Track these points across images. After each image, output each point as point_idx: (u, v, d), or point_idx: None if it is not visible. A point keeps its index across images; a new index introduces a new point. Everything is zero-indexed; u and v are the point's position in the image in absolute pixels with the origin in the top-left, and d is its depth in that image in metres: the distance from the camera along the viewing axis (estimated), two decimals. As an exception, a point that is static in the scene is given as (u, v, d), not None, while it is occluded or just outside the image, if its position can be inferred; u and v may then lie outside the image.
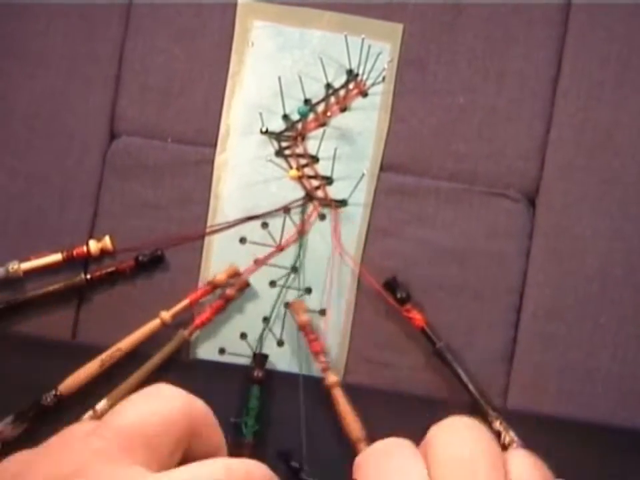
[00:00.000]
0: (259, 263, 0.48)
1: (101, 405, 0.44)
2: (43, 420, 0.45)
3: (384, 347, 0.47)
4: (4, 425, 0.44)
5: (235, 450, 0.45)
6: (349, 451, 0.45)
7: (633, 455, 0.46)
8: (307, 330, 0.46)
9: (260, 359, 0.46)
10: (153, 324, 0.46)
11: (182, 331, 0.46)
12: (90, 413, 0.45)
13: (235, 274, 0.47)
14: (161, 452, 0.29)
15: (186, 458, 0.30)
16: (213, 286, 0.47)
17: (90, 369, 0.45)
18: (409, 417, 0.46)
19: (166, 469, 0.29)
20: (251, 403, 0.45)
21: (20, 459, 0.29)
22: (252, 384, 0.46)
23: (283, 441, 0.46)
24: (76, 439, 0.30)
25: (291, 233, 0.48)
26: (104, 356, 0.45)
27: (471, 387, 0.45)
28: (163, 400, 0.31)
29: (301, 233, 0.48)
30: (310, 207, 0.48)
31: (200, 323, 0.46)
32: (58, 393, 0.45)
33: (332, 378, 0.45)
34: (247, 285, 0.47)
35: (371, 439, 0.46)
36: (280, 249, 0.48)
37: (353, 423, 0.44)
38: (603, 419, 0.46)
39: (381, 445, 0.31)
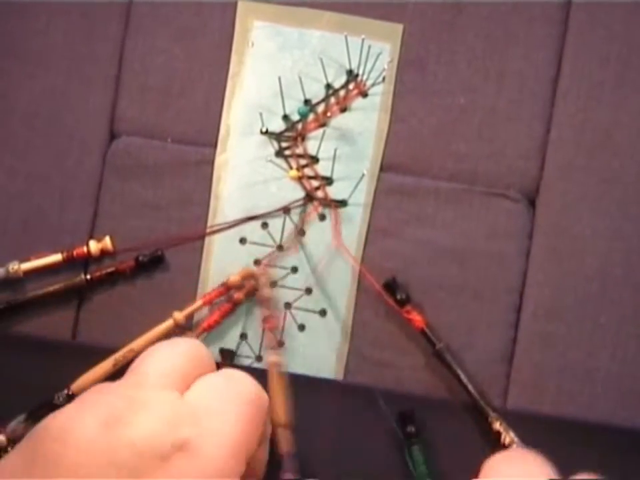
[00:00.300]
0: (258, 263, 0.48)
1: None
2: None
3: (384, 347, 0.47)
4: (16, 423, 0.44)
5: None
6: (349, 451, 0.45)
7: (633, 455, 0.46)
8: (265, 305, 0.46)
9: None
10: (166, 325, 0.46)
11: (190, 333, 0.46)
12: None
13: (249, 276, 0.47)
14: (188, 383, 0.35)
15: None
16: (227, 287, 0.47)
17: (102, 368, 0.45)
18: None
19: None
20: None
21: (62, 415, 0.32)
22: None
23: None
24: (111, 388, 0.35)
25: (291, 234, 0.48)
26: (117, 355, 0.45)
27: (470, 387, 0.45)
28: (182, 344, 0.38)
29: (301, 233, 0.48)
30: (310, 207, 0.48)
31: (208, 327, 0.46)
32: (70, 392, 0.45)
33: (273, 357, 0.45)
34: (256, 289, 0.47)
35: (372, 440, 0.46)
36: (280, 249, 0.48)
37: (279, 406, 0.44)
38: (603, 419, 0.46)
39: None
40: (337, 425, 0.46)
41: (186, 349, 0.37)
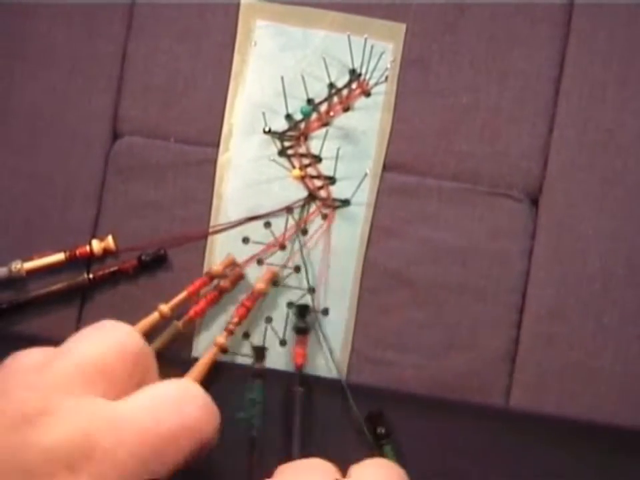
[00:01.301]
0: (261, 262, 0.48)
1: None
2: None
3: (386, 347, 0.47)
4: None
5: (242, 446, 0.45)
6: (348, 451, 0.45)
7: (635, 455, 0.46)
8: (254, 296, 0.46)
9: (258, 352, 0.46)
10: (152, 317, 0.46)
11: (176, 322, 0.46)
12: None
13: (232, 264, 0.47)
14: (117, 383, 0.32)
15: None
16: (211, 277, 0.47)
17: None
18: (412, 417, 0.46)
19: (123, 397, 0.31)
20: (257, 397, 0.45)
21: None
22: (254, 378, 0.46)
23: (285, 441, 0.46)
24: (31, 374, 0.32)
25: (294, 233, 0.48)
26: None
27: None
28: (114, 334, 0.33)
29: (304, 233, 0.48)
30: (313, 207, 0.48)
31: (194, 314, 0.46)
32: None
33: (220, 339, 0.45)
34: (242, 277, 0.47)
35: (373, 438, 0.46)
36: (283, 248, 0.48)
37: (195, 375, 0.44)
38: (605, 419, 0.46)
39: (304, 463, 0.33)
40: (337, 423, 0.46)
41: (116, 341, 0.34)
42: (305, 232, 0.48)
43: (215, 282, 0.47)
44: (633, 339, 0.47)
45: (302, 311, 0.46)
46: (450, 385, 0.46)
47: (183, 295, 0.46)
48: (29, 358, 0.34)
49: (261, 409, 0.45)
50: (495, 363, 0.47)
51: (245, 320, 0.47)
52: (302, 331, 0.46)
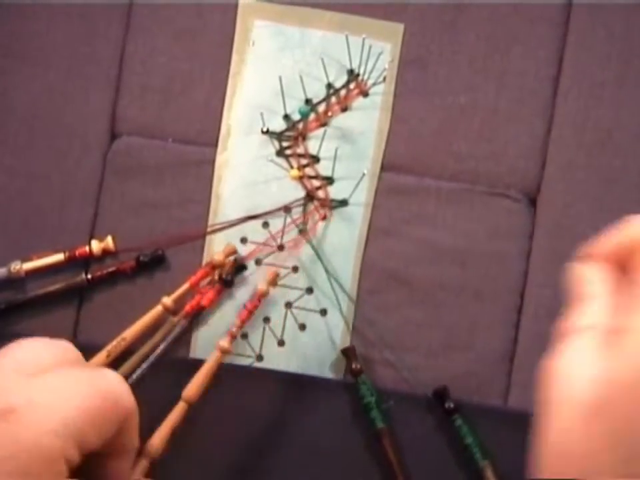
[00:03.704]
0: (260, 263, 0.48)
1: None
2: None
3: (385, 347, 0.47)
4: None
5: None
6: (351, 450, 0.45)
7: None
8: (257, 297, 0.46)
9: (349, 351, 0.46)
10: (156, 310, 0.46)
11: (172, 318, 0.46)
12: None
13: (233, 252, 0.47)
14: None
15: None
16: (212, 266, 0.47)
17: (96, 360, 0.45)
18: (410, 417, 0.46)
19: None
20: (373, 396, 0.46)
21: None
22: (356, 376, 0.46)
23: (285, 440, 0.46)
24: None
25: (292, 233, 0.48)
26: (110, 347, 0.45)
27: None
28: (50, 343, 0.35)
29: (302, 233, 0.48)
30: (311, 207, 0.48)
31: (190, 309, 0.46)
32: None
33: (224, 344, 0.45)
34: (245, 267, 0.47)
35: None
36: (281, 248, 0.48)
37: (197, 387, 0.44)
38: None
39: None
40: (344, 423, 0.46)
41: (53, 344, 0.35)
42: (303, 232, 0.48)
43: (210, 280, 0.47)
44: (631, 339, 0.47)
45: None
46: (448, 385, 0.46)
47: (185, 286, 0.46)
48: None
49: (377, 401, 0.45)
50: (493, 363, 0.47)
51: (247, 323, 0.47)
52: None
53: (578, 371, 0.31)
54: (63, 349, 0.35)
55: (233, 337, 0.45)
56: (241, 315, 0.46)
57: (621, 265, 0.33)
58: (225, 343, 0.45)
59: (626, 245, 0.33)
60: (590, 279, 0.35)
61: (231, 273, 0.46)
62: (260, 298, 0.46)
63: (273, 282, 0.47)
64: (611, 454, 0.29)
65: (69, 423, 0.31)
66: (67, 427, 0.30)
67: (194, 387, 0.44)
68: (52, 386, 0.32)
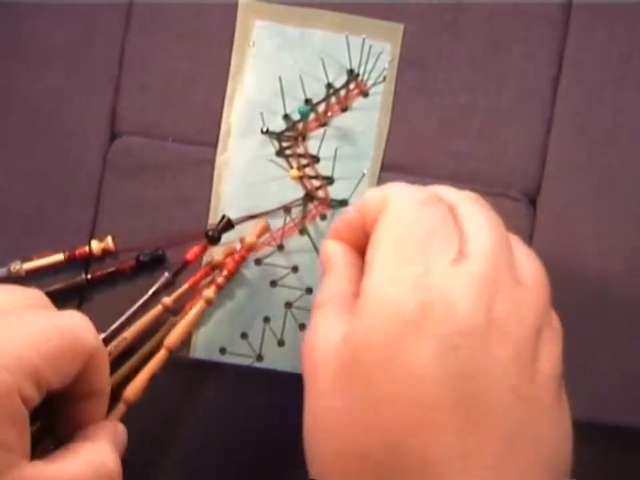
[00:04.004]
0: (259, 263, 0.48)
1: None
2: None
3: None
4: None
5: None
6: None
7: (633, 455, 0.46)
8: (244, 249, 0.46)
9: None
10: (156, 310, 0.46)
11: (172, 317, 0.46)
12: None
13: (232, 253, 0.47)
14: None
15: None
16: (212, 267, 0.47)
17: None
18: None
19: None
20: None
21: None
22: None
23: (286, 440, 0.46)
24: None
25: (292, 233, 0.48)
26: (110, 347, 0.45)
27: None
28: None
29: (302, 233, 0.48)
30: (310, 207, 0.48)
31: (189, 309, 0.46)
32: None
33: (208, 293, 0.45)
34: (232, 274, 0.47)
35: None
36: (280, 248, 0.48)
37: (179, 333, 0.44)
38: (604, 419, 0.46)
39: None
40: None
41: (21, 290, 0.35)
42: (303, 232, 0.48)
43: (210, 279, 0.47)
44: (631, 339, 0.47)
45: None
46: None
47: (184, 287, 0.46)
48: None
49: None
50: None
51: (234, 275, 0.47)
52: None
53: (323, 338, 0.33)
54: (32, 293, 0.35)
55: (219, 287, 0.46)
56: (227, 265, 0.46)
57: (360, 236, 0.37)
58: (210, 292, 0.45)
59: (358, 219, 0.37)
60: (332, 253, 0.38)
61: (218, 230, 0.46)
62: (249, 250, 0.46)
63: (262, 234, 0.47)
64: (368, 416, 0.31)
65: (21, 357, 0.30)
66: (19, 362, 0.30)
67: (176, 335, 0.44)
68: (6, 323, 0.31)
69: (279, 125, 0.49)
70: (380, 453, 0.30)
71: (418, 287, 0.31)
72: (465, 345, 0.30)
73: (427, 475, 0.30)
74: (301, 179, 0.48)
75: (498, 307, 0.32)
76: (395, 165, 0.48)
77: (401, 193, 0.35)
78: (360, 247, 0.37)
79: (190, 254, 0.47)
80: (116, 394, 0.40)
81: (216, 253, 0.47)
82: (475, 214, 0.36)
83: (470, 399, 0.30)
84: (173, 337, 0.44)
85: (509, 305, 0.32)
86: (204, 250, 0.47)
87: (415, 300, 0.31)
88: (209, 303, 0.45)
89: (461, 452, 0.30)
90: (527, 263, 0.36)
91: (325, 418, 0.33)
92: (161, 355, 0.44)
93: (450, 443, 0.30)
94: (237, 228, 0.48)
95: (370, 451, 0.31)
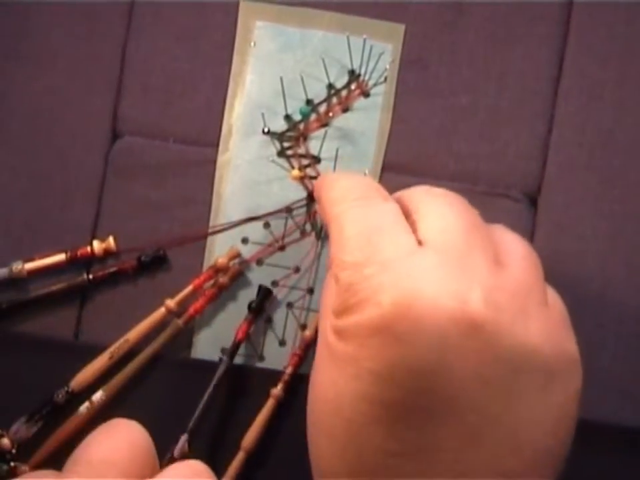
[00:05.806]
0: (261, 263, 0.48)
1: (97, 396, 0.45)
2: (54, 418, 0.45)
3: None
4: (19, 425, 0.44)
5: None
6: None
7: (633, 455, 0.46)
8: (217, 269, 0.47)
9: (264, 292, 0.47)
10: (159, 312, 0.46)
11: (176, 320, 0.46)
12: (86, 404, 0.45)
13: (236, 256, 0.47)
14: (128, 475, 0.31)
15: None
16: (216, 270, 0.47)
17: (99, 362, 0.45)
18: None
19: None
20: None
21: None
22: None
23: (287, 440, 0.46)
24: None
25: (293, 233, 0.48)
26: (112, 349, 0.45)
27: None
28: (125, 431, 0.33)
29: (303, 233, 0.48)
30: (312, 207, 0.48)
31: (194, 312, 0.46)
32: (70, 390, 0.45)
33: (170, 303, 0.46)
34: (240, 273, 0.47)
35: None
36: (282, 249, 0.48)
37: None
38: (603, 419, 0.46)
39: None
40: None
41: (127, 436, 0.33)
42: (304, 232, 0.48)
43: (213, 281, 0.47)
44: (631, 339, 0.47)
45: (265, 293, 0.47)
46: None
47: (188, 289, 0.47)
48: (43, 473, 0.33)
49: None
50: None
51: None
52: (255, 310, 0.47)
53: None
54: (138, 440, 0.33)
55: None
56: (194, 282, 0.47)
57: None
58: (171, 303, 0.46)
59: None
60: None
61: (149, 256, 0.47)
62: (217, 271, 0.47)
63: (232, 258, 0.47)
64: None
65: None
66: None
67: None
68: None
69: (280, 125, 0.49)
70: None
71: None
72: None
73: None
74: (302, 179, 0.48)
75: (473, 294, 0.32)
76: (396, 166, 0.48)
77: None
78: None
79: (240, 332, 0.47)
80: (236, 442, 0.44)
81: (220, 257, 0.47)
82: (431, 204, 0.37)
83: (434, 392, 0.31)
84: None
85: (485, 290, 0.32)
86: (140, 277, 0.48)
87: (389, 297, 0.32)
88: (171, 311, 0.46)
89: None
90: (512, 245, 0.35)
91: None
92: (270, 404, 0.46)
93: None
94: (239, 229, 0.48)
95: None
